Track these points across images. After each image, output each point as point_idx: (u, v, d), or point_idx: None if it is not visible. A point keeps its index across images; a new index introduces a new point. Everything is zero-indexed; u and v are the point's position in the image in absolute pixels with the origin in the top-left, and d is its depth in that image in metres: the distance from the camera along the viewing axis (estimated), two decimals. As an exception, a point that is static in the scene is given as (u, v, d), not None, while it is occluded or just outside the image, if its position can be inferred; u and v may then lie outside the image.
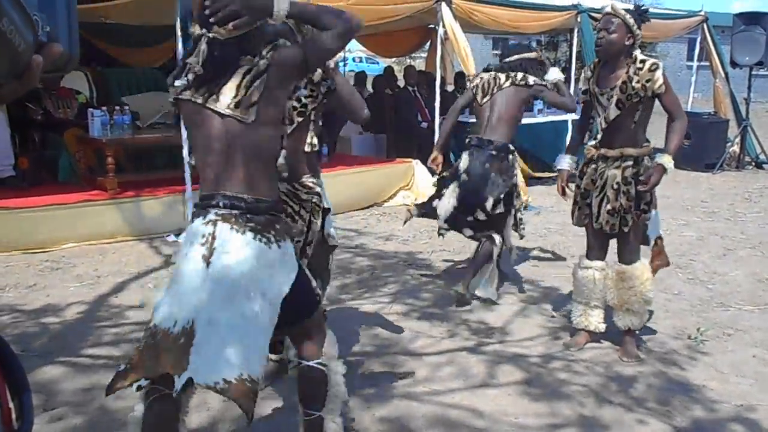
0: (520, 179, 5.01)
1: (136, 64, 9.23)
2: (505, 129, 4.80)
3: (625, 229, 3.92)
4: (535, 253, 6.16)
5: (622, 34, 3.78)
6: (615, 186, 3.87)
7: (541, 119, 9.37)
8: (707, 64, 11.56)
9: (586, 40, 9.34)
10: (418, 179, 8.20)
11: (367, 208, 7.67)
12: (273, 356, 3.51)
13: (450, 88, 10.73)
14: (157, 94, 8.10)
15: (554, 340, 4.26)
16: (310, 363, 2.65)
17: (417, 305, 4.81)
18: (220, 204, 2.37)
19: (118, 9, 6.65)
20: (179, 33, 6.06)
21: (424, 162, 8.33)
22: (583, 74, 4.12)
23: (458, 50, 8.17)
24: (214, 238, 2.34)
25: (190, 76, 2.35)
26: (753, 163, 11.10)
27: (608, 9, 3.86)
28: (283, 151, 2.50)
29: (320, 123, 3.42)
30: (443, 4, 7.89)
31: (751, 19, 10.61)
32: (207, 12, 2.30)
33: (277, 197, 2.49)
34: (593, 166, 3.99)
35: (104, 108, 6.63)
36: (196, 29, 2.37)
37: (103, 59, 9.12)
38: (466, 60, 8.24)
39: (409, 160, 8.32)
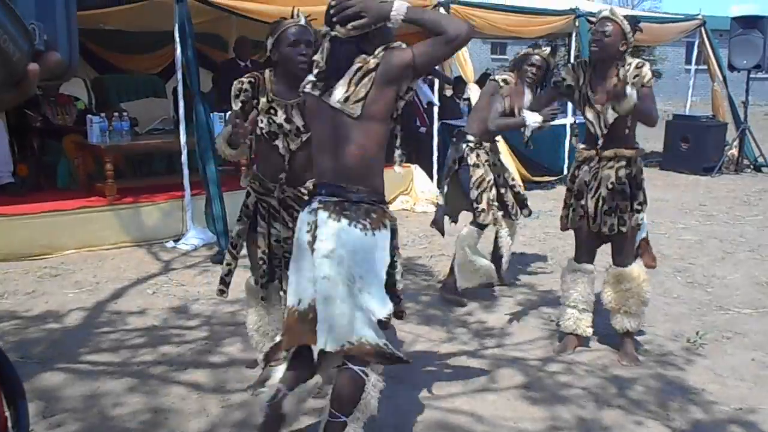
0: (487, 175, 4.82)
1: (134, 70, 9.25)
2: (474, 121, 5.00)
3: (623, 229, 3.94)
4: (533, 257, 6.16)
5: (617, 38, 3.82)
6: (610, 186, 3.91)
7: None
8: (705, 67, 11.58)
9: (584, 44, 9.34)
10: (417, 184, 8.22)
11: (366, 213, 7.66)
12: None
13: (448, 92, 10.74)
14: (155, 100, 8.12)
15: (553, 344, 4.26)
16: (354, 367, 2.67)
17: (416, 309, 4.80)
18: (323, 192, 2.62)
19: (116, 15, 6.68)
20: (177, 39, 6.07)
21: (423, 167, 8.38)
22: (571, 68, 4.06)
23: (457, 55, 8.18)
24: (316, 225, 2.59)
25: (315, 71, 2.61)
26: (751, 167, 11.11)
27: (606, 12, 3.92)
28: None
29: None
30: (441, 9, 7.90)
31: (748, 22, 10.63)
32: (331, 12, 2.54)
33: (378, 188, 2.65)
34: (586, 167, 4.02)
35: (103, 114, 6.63)
36: (322, 29, 2.62)
37: (102, 65, 9.14)
38: (464, 65, 8.26)
39: (408, 164, 8.31)
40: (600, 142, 3.95)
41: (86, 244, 6.05)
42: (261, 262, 3.49)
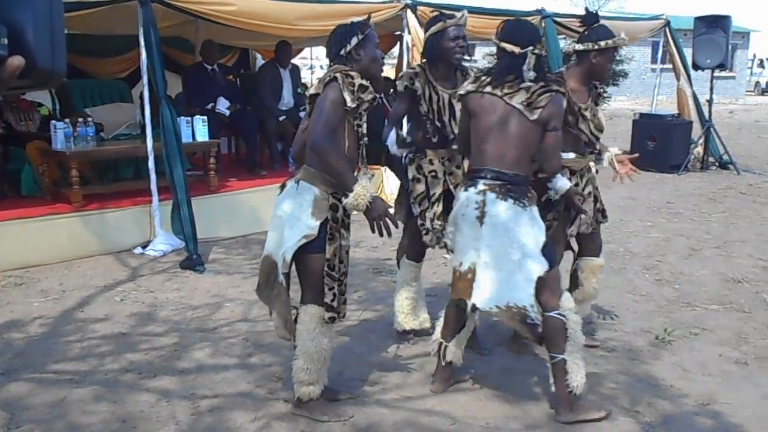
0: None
1: (100, 75, 9.13)
2: (412, 126, 4.35)
3: (606, 221, 4.22)
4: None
5: None
6: (596, 186, 4.11)
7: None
8: (670, 66, 11.70)
9: (550, 45, 9.40)
10: (387, 186, 8.20)
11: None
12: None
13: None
14: (121, 105, 8.02)
15: (523, 342, 4.27)
16: (551, 314, 3.25)
17: (386, 312, 4.79)
18: (488, 176, 3.24)
19: (80, 19, 6.57)
20: (143, 43, 6.01)
21: (392, 169, 8.36)
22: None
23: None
24: (485, 203, 3.20)
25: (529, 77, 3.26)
26: (717, 164, 11.25)
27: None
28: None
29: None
30: (408, 11, 7.91)
31: (711, 22, 10.77)
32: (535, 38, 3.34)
33: (530, 173, 3.31)
34: (579, 174, 4.05)
35: (67, 120, 6.53)
36: (516, 49, 3.25)
37: (67, 70, 9.00)
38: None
39: (378, 167, 8.30)
40: (598, 146, 3.99)
41: (52, 252, 5.94)
42: (343, 278, 3.30)
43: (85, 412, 3.42)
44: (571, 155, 3.97)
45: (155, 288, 5.31)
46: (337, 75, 3.08)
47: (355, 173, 3.23)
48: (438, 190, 4.06)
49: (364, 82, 3.13)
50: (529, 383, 3.76)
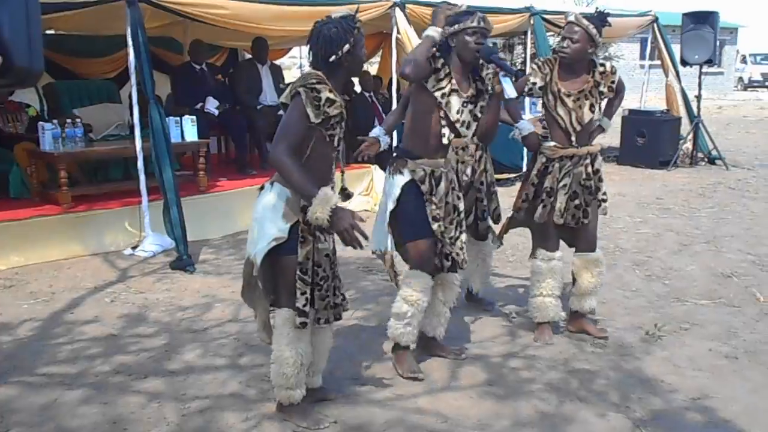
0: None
1: (88, 75, 9.08)
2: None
3: (586, 221, 4.18)
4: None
5: (584, 42, 3.99)
6: (582, 182, 4.14)
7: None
8: (659, 63, 11.74)
9: (539, 42, 9.42)
10: (377, 184, 8.19)
11: (327, 214, 7.62)
12: None
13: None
14: (109, 105, 7.98)
15: (514, 340, 4.29)
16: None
17: (376, 311, 4.79)
18: None
19: (67, 19, 6.54)
20: (130, 43, 5.98)
21: (382, 167, 8.36)
22: (537, 68, 4.12)
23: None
24: None
25: None
26: (705, 159, 11.30)
27: (571, 18, 4.05)
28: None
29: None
30: (397, 9, 7.91)
31: (699, 18, 10.81)
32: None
33: (407, 146, 3.82)
34: (557, 164, 4.14)
35: (55, 121, 6.50)
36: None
37: (55, 71, 8.96)
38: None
39: (368, 165, 8.28)
40: (573, 139, 4.10)
41: (41, 254, 5.91)
42: (323, 282, 3.22)
43: (75, 415, 3.40)
44: (551, 143, 4.14)
45: (145, 289, 5.29)
46: (300, 90, 2.98)
47: (336, 171, 3.23)
48: None
49: (331, 95, 3.02)
50: (520, 379, 3.76)
